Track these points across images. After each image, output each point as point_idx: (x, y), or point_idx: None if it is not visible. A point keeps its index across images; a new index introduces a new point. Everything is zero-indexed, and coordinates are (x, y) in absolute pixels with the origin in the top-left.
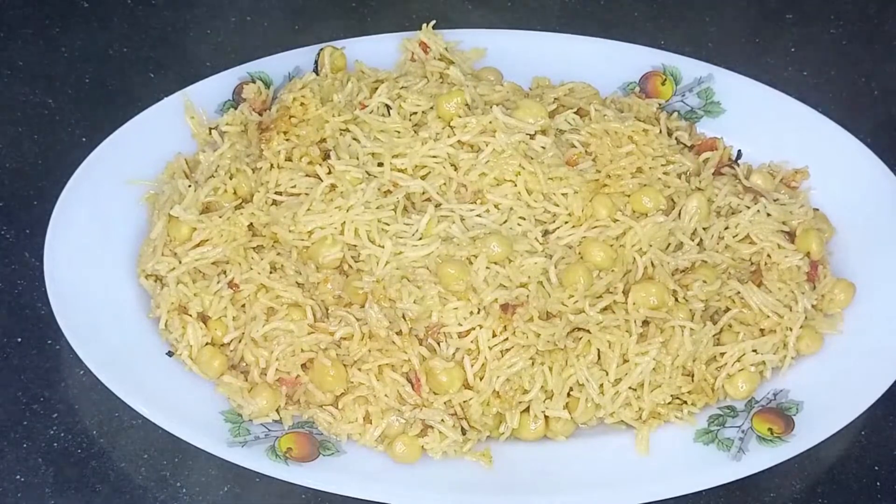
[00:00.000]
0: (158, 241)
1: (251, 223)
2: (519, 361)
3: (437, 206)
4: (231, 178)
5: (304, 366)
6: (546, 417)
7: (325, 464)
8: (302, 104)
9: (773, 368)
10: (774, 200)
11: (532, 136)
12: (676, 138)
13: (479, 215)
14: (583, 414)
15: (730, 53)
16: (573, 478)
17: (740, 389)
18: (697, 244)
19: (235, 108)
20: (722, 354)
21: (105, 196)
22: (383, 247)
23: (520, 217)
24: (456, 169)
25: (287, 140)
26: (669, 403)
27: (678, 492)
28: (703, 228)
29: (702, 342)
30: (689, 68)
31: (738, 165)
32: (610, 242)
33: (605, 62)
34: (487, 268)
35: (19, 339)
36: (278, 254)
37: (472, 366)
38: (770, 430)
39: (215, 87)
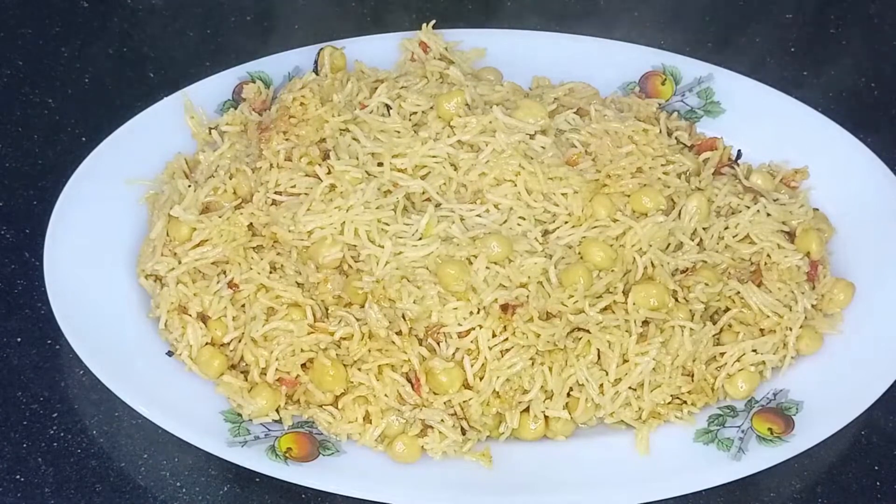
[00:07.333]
0: (158, 241)
1: (251, 223)
2: (519, 361)
3: (437, 206)
4: (231, 178)
5: (304, 366)
6: (546, 417)
7: (325, 464)
8: (302, 104)
9: (773, 368)
10: (774, 200)
11: (532, 136)
12: (676, 138)
13: (478, 215)
14: (583, 414)
15: (730, 53)
16: (573, 478)
17: (740, 389)
18: (697, 244)
19: (235, 108)
20: (722, 354)
21: (105, 196)
22: (383, 247)
23: (520, 217)
24: (456, 169)
25: (287, 140)
26: (669, 403)
27: (678, 492)
28: (703, 228)
29: (702, 342)
30: (689, 68)
31: (738, 165)
32: (610, 242)
33: (605, 62)
34: (487, 268)
35: (19, 339)
36: (278, 254)
37: (471, 366)
38: (770, 429)
39: (215, 86)
